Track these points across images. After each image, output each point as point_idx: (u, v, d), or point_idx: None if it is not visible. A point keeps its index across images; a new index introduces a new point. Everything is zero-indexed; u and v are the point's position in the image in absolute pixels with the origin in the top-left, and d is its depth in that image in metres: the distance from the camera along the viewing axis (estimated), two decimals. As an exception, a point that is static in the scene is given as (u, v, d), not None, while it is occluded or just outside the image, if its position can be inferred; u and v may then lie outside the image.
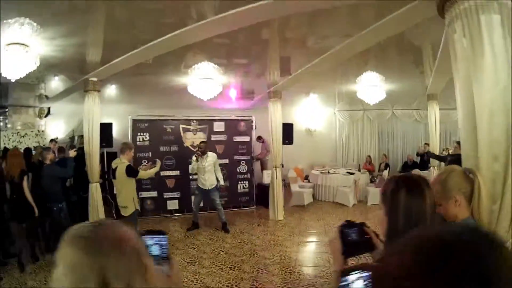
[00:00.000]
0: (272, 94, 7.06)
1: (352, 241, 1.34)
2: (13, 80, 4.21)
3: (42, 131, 7.83)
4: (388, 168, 9.05)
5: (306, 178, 9.35)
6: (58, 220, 4.95)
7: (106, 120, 6.41)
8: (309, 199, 8.32)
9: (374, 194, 8.32)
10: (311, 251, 5.62)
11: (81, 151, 5.86)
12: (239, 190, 7.97)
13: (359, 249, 1.37)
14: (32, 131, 7.66)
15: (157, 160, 5.51)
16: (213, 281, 4.40)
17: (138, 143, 7.20)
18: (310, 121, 10.33)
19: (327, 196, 8.80)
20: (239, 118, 8.15)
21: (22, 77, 4.21)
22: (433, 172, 7.45)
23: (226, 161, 7.84)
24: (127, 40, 4.55)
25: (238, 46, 5.34)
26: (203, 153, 6.24)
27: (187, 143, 7.69)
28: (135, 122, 7.30)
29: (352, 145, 10.62)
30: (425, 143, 9.12)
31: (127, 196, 4.88)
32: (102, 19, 3.92)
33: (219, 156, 7.76)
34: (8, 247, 4.96)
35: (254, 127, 8.11)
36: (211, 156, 6.32)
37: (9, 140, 7.42)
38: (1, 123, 7.65)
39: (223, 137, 7.81)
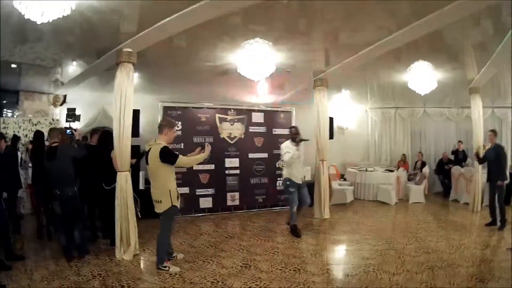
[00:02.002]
0: (319, 83, 6.02)
1: None
2: (38, 22, 2.88)
3: (57, 119, 6.36)
4: (426, 165, 8.01)
5: (342, 176, 8.14)
6: (70, 207, 3.92)
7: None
8: (350, 197, 7.22)
9: (415, 192, 7.25)
10: (378, 250, 4.34)
11: (102, 137, 4.64)
12: (277, 188, 6.63)
13: None
14: (45, 119, 6.18)
15: (207, 143, 3.86)
16: (282, 288, 3.28)
17: (169, 132, 5.81)
18: (341, 118, 9.28)
19: (366, 194, 7.69)
20: (279, 109, 6.94)
21: (51, 20, 2.91)
22: (477, 168, 6.42)
23: (265, 155, 6.55)
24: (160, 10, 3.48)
25: (278, 33, 4.33)
26: (296, 140, 4.83)
27: (224, 134, 6.37)
28: (166, 109, 5.96)
29: (384, 143, 9.59)
30: (459, 141, 8.54)
31: (162, 187, 3.45)
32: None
33: (258, 150, 6.56)
34: (15, 247, 3.96)
35: (293, 119, 6.89)
36: (302, 144, 4.97)
37: (19, 127, 5.93)
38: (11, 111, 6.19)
39: (262, 129, 6.57)
